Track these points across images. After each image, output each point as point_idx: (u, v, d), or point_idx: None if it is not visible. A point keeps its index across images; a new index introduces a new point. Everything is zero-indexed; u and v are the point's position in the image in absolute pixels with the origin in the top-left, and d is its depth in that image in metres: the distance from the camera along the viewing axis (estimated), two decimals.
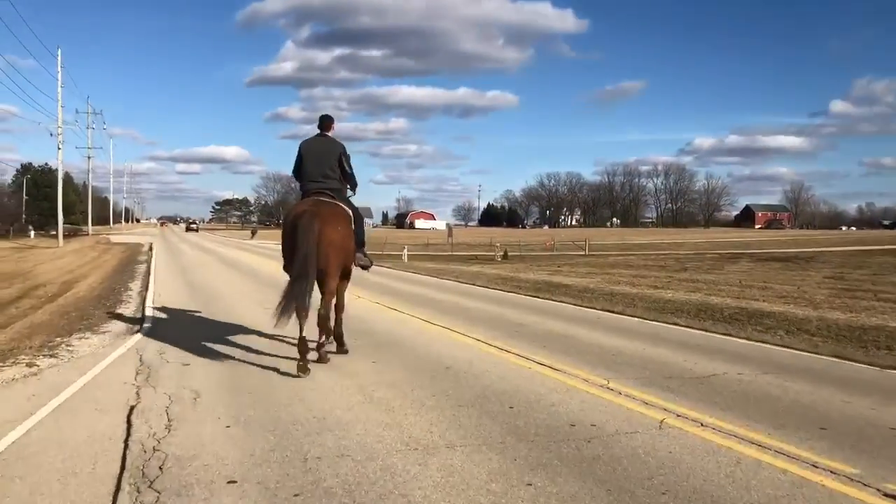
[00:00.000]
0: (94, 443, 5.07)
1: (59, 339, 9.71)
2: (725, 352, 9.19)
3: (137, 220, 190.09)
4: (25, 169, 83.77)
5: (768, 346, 9.86)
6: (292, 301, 7.22)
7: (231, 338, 9.59)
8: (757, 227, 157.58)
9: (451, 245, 51.43)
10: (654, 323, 12.03)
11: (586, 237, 58.14)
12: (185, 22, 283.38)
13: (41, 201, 76.80)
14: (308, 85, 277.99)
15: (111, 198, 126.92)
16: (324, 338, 7.94)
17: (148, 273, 22.38)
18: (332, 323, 8.31)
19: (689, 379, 7.41)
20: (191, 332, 10.16)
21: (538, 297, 16.22)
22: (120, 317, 12.16)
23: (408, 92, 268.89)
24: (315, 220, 7.51)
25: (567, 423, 5.67)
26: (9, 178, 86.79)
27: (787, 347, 9.69)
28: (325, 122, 8.48)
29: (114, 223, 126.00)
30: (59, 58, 55.75)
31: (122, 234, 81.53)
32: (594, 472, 4.59)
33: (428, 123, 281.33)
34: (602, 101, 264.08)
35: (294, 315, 7.23)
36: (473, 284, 19.88)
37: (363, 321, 11.29)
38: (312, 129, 8.63)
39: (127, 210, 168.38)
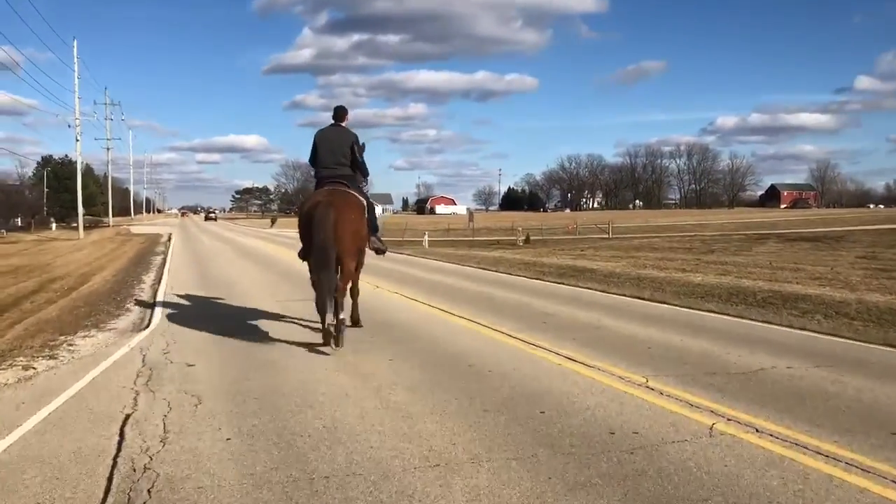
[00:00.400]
0: (80, 460, 4.56)
1: (62, 337, 9.27)
2: (768, 341, 8.55)
3: (159, 211, 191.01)
4: (46, 161, 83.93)
5: (812, 333, 9.22)
6: (323, 297, 7.72)
7: (241, 334, 9.08)
8: (783, 206, 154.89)
9: (472, 230, 50.81)
10: (687, 311, 11.39)
11: (609, 220, 57.19)
12: (202, 11, 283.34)
13: (62, 193, 76.91)
14: (326, 72, 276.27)
15: (131, 188, 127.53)
16: (341, 313, 8.13)
17: (163, 265, 22.01)
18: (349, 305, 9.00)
19: (735, 374, 6.78)
20: (199, 328, 9.67)
21: (563, 284, 15.60)
22: (128, 312, 11.72)
23: (426, 77, 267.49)
24: (330, 209, 7.99)
25: (606, 430, 5.08)
26: (30, 171, 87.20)
27: (833, 335, 9.04)
28: (340, 113, 8.96)
29: (135, 214, 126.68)
30: (75, 49, 55.68)
31: (143, 225, 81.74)
32: (641, 491, 4.00)
33: (447, 108, 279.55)
34: (622, 81, 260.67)
35: (327, 308, 7.76)
36: (496, 271, 19.29)
37: (381, 313, 10.75)
38: (330, 117, 9.08)
39: (148, 201, 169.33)
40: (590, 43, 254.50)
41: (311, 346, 8.19)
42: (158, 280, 16.95)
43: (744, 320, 10.32)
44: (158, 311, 11.34)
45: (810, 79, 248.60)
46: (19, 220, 73.76)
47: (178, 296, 13.37)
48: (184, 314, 11.03)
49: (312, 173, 9.16)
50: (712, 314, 10.97)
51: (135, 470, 4.37)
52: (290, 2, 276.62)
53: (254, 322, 10.04)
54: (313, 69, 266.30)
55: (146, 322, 10.39)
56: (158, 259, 25.32)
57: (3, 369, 7.37)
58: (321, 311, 7.84)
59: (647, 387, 6.28)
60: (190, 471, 4.35)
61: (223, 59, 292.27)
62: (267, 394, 6.15)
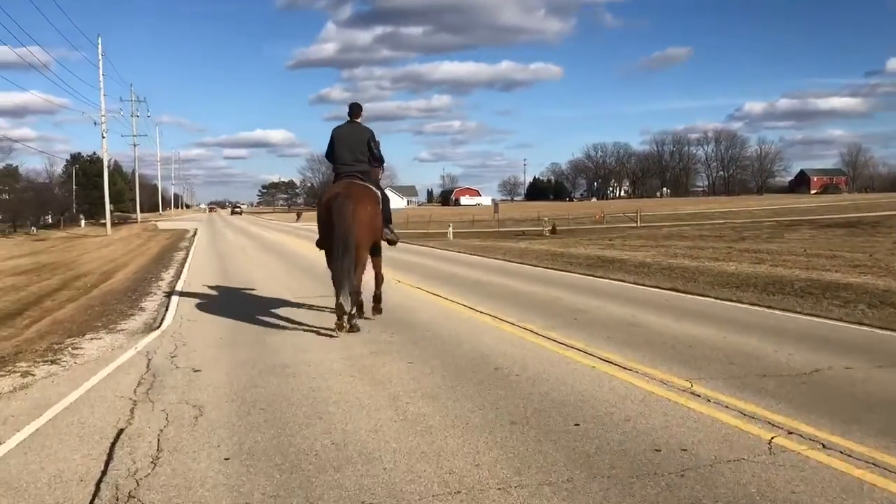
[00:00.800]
0: (60, 486, 4.07)
1: (69, 339, 8.87)
2: (819, 337, 7.89)
3: (187, 206, 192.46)
4: (74, 159, 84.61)
5: (865, 328, 8.54)
6: (343, 282, 8.15)
7: (254, 336, 8.62)
8: (813, 192, 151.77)
9: (497, 221, 50.17)
10: (725, 303, 10.74)
11: (637, 208, 56.10)
12: (226, 7, 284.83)
13: (90, 190, 77.42)
14: (350, 65, 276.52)
15: (159, 184, 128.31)
16: (354, 309, 8.61)
17: (184, 261, 21.72)
18: (367, 294, 9.32)
19: (788, 377, 6.15)
20: (212, 329, 9.23)
21: (593, 276, 14.97)
22: (142, 312, 11.30)
23: (450, 68, 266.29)
24: (348, 200, 8.41)
25: (650, 446, 4.48)
26: (59, 168, 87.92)
27: (888, 329, 8.35)
28: (355, 110, 9.34)
29: (163, 209, 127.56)
30: (100, 46, 55.82)
31: (171, 221, 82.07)
32: None
33: (471, 99, 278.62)
34: (648, 69, 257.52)
35: (343, 288, 8.15)
36: (522, 263, 18.69)
37: (401, 310, 10.22)
38: (346, 113, 9.42)
39: (176, 196, 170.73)
40: (614, 31, 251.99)
41: (326, 349, 7.71)
42: (178, 277, 16.59)
43: (787, 313, 9.67)
44: (172, 310, 10.92)
45: (840, 62, 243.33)
46: (49, 217, 74.39)
47: (195, 294, 12.96)
48: (197, 314, 10.60)
49: (331, 168, 9.49)
50: (753, 307, 10.33)
51: (118, 499, 3.87)
52: None
53: (269, 322, 9.57)
54: (337, 63, 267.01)
55: (158, 322, 9.96)
56: (181, 255, 25.08)
57: (2, 376, 6.95)
58: (337, 287, 8.21)
59: (692, 392, 5.68)
60: (179, 500, 3.84)
61: (248, 55, 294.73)
62: (274, 403, 5.64)
